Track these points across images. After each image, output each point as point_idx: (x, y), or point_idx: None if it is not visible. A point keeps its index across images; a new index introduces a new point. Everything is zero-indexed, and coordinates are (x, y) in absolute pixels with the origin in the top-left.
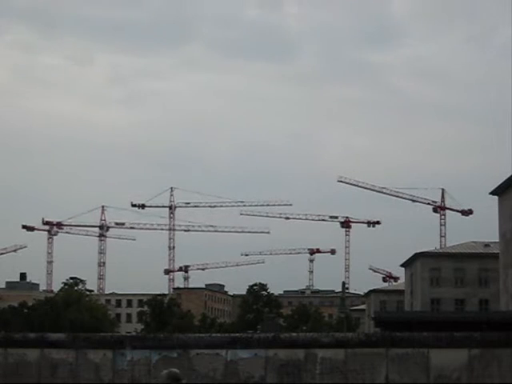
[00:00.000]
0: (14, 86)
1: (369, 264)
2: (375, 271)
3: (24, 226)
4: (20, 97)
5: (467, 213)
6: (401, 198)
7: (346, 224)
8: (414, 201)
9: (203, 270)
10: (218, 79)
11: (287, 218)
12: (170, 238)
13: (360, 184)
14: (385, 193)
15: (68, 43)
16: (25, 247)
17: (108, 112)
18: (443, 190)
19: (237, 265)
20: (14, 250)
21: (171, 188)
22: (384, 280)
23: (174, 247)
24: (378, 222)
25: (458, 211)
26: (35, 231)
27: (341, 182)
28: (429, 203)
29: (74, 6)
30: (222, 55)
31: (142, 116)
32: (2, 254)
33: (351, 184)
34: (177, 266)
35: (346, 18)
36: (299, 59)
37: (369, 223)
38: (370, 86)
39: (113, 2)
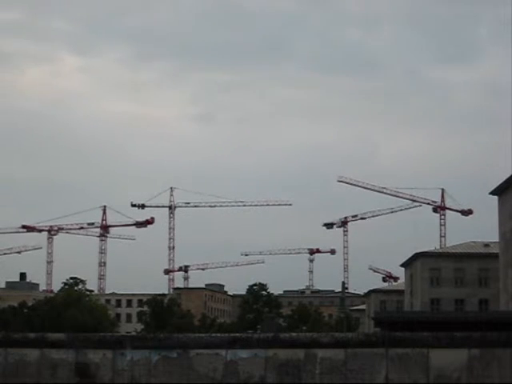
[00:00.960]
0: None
1: (369, 264)
2: (375, 271)
3: (24, 226)
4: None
5: (467, 213)
6: (401, 197)
7: (345, 224)
8: (414, 201)
9: (203, 269)
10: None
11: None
12: (169, 238)
13: (360, 184)
14: (385, 193)
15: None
16: (39, 248)
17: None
18: (443, 190)
19: (236, 265)
20: (19, 252)
21: (171, 188)
22: (384, 280)
23: (173, 247)
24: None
25: (457, 211)
26: (35, 232)
27: (341, 182)
28: (428, 203)
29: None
30: (311, 71)
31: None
32: (5, 254)
33: (351, 184)
34: (177, 266)
35: (428, 38)
36: (379, 75)
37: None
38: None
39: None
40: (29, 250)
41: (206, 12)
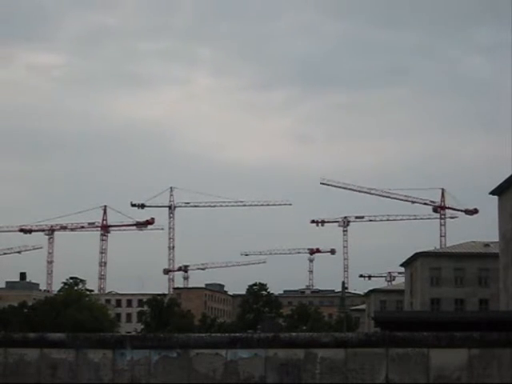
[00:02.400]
0: None
1: (360, 272)
2: (370, 277)
3: (21, 230)
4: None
5: (472, 212)
6: (397, 199)
7: (345, 224)
8: (413, 202)
9: (203, 269)
10: None
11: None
12: (169, 238)
13: (344, 185)
14: (373, 193)
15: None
16: (39, 247)
17: None
18: (443, 189)
19: (237, 264)
20: (19, 252)
21: (171, 188)
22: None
23: (173, 247)
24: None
25: (461, 211)
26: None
27: (323, 184)
28: (425, 203)
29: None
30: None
31: None
32: (5, 254)
33: (334, 186)
34: (177, 266)
35: None
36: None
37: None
38: None
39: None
40: (29, 249)
41: (336, 43)
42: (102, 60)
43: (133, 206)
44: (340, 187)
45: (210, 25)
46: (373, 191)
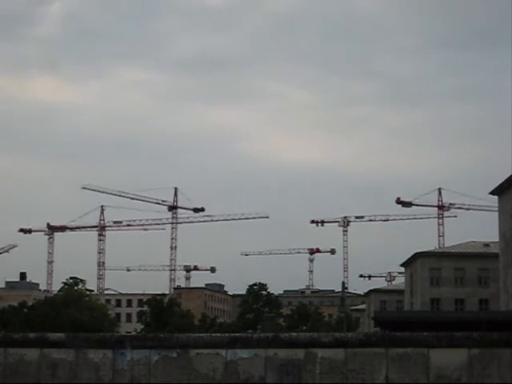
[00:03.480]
0: None
1: (360, 272)
2: (370, 277)
3: (21, 230)
4: None
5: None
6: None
7: (345, 224)
8: (415, 204)
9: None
10: None
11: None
12: (172, 238)
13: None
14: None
15: None
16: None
17: None
18: (440, 189)
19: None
20: (7, 251)
21: (175, 188)
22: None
23: (175, 247)
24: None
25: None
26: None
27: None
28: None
29: None
30: None
31: None
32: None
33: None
34: (178, 266)
35: None
36: None
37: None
38: None
39: None
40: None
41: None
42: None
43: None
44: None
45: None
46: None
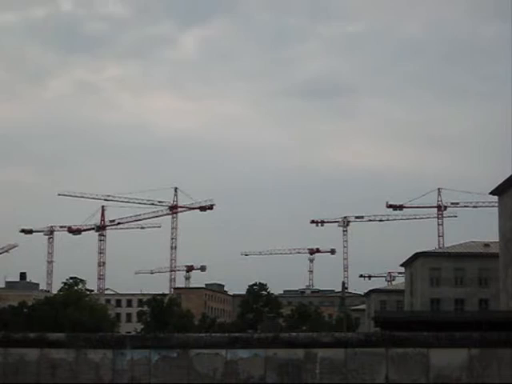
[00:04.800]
0: None
1: (360, 272)
2: (370, 277)
3: (22, 230)
4: None
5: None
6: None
7: (345, 223)
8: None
9: (203, 270)
10: None
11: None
12: (171, 238)
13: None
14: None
15: None
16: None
17: None
18: (439, 189)
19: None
20: (7, 251)
21: (175, 188)
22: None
23: (175, 247)
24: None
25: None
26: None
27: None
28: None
29: None
30: None
31: None
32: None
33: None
34: (178, 266)
35: None
36: None
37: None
38: None
39: None
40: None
41: None
42: None
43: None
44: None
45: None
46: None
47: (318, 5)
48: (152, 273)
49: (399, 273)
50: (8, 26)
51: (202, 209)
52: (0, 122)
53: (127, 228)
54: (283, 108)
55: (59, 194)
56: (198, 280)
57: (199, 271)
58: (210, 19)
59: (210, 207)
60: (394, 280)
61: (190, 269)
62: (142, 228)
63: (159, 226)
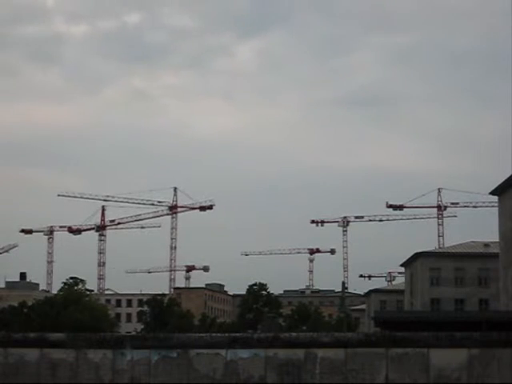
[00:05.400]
0: None
1: (360, 272)
2: (370, 277)
3: (22, 230)
4: None
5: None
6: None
7: (345, 224)
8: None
9: (203, 270)
10: None
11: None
12: (171, 238)
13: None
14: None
15: None
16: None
17: None
18: (439, 189)
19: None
20: (7, 251)
21: (175, 188)
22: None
23: (175, 247)
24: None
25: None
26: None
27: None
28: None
29: None
30: None
31: None
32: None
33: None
34: (178, 266)
35: None
36: None
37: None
38: None
39: None
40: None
41: None
42: None
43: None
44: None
45: None
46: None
47: (372, 15)
48: (149, 272)
49: (399, 273)
50: (76, 37)
51: (202, 209)
52: (42, 124)
53: (127, 228)
54: (330, 115)
55: (59, 195)
56: (198, 280)
57: (202, 271)
58: (267, 30)
59: (210, 207)
60: (394, 280)
61: (191, 269)
62: (142, 228)
63: (159, 226)
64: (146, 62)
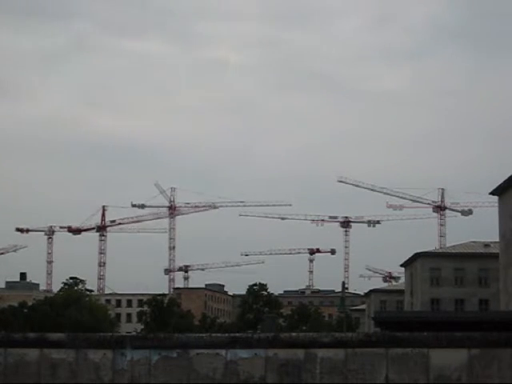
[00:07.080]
0: None
1: (366, 264)
2: (375, 272)
3: (18, 229)
4: None
5: (467, 213)
6: (401, 197)
7: (345, 224)
8: (414, 201)
9: (203, 270)
10: None
11: (283, 219)
12: (170, 238)
13: (360, 184)
14: (385, 193)
15: None
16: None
17: None
18: (443, 189)
19: (237, 265)
20: (14, 250)
21: (172, 188)
22: (384, 280)
23: (174, 247)
24: (378, 222)
25: (457, 211)
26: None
27: (341, 182)
28: (429, 203)
29: None
30: None
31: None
32: (1, 253)
33: (351, 184)
34: (177, 266)
35: None
36: None
37: (369, 223)
38: None
39: None
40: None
41: None
42: None
43: (133, 206)
44: (357, 186)
45: None
46: (377, 189)
47: None
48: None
49: (399, 273)
50: (158, 54)
51: (206, 209)
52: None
53: (127, 229)
54: None
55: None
56: (198, 280)
57: (199, 271)
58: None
59: (216, 207)
60: (394, 280)
61: (187, 268)
62: (143, 228)
63: (165, 232)
64: None
